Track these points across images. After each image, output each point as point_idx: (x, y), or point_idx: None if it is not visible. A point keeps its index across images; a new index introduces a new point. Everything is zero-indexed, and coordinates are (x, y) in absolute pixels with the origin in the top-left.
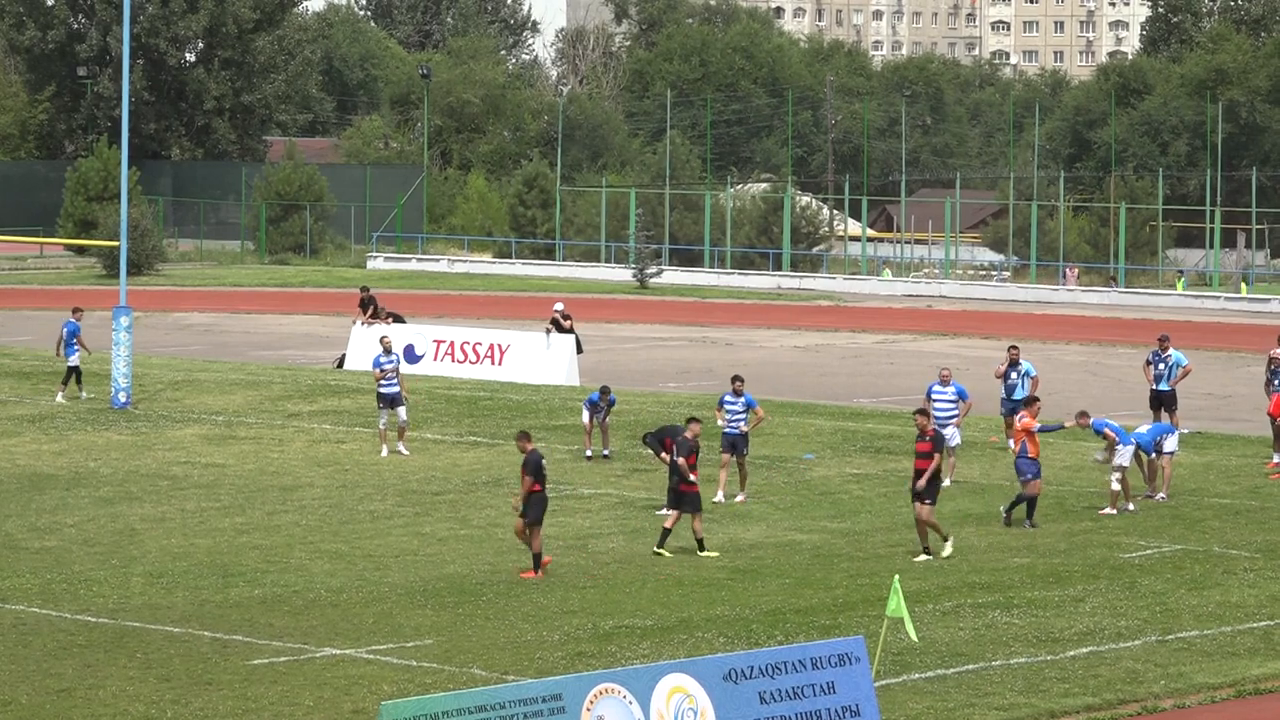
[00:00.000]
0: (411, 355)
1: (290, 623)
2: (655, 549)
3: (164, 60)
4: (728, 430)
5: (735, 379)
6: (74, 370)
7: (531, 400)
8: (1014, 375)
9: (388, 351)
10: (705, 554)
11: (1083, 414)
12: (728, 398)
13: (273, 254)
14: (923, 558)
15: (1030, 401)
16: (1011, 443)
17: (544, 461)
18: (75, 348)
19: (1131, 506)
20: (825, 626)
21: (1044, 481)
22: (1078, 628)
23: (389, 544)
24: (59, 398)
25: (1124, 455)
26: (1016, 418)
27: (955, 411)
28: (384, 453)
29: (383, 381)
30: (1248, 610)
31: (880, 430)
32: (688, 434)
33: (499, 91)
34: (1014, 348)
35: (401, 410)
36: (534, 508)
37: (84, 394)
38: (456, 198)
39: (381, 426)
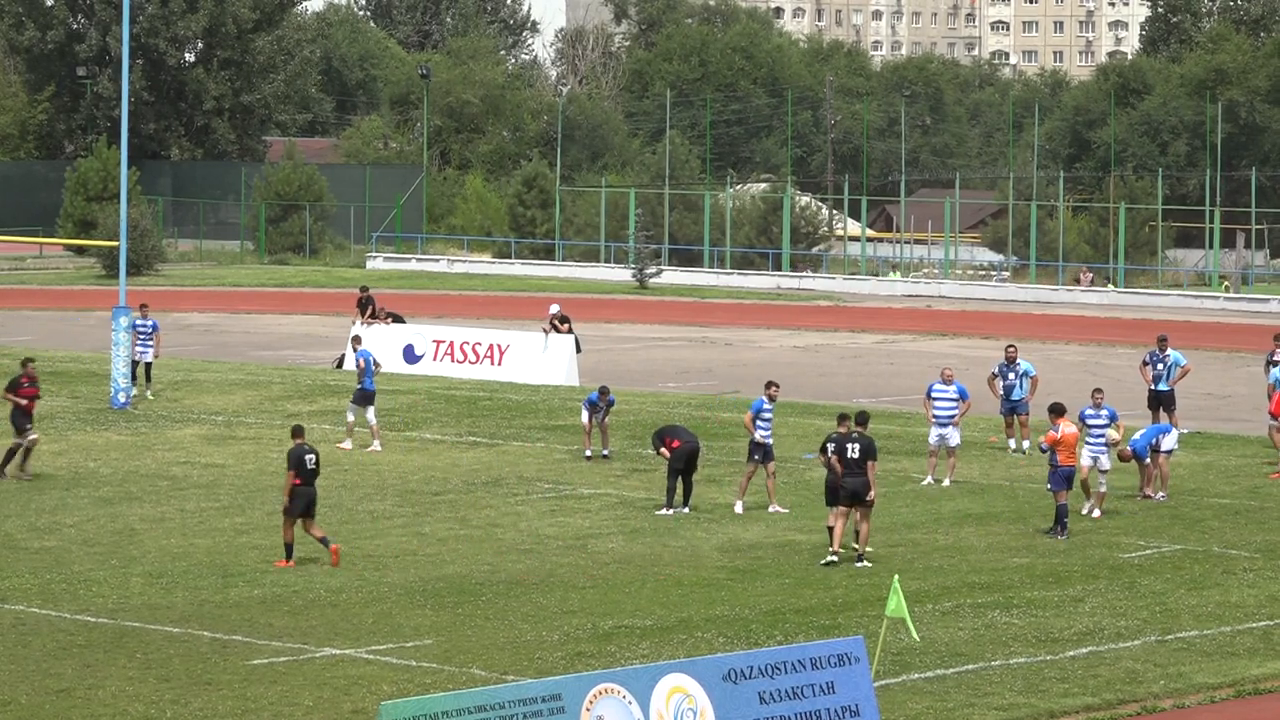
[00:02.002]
0: (411, 355)
1: (290, 623)
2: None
3: (163, 60)
4: (766, 439)
5: (772, 384)
6: (144, 366)
7: (531, 400)
8: (1012, 375)
9: (353, 350)
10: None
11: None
12: (765, 405)
13: (272, 254)
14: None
15: (1061, 410)
16: (1012, 443)
17: (310, 457)
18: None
19: (1096, 513)
20: (825, 626)
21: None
22: (1077, 628)
23: (389, 544)
24: (148, 394)
25: (1107, 460)
26: (1057, 428)
27: (956, 410)
28: (346, 444)
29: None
30: (1247, 610)
31: (879, 430)
32: (842, 429)
33: (498, 91)
34: (1011, 347)
35: (369, 411)
36: (296, 501)
37: (149, 393)
38: (455, 198)
39: (350, 421)
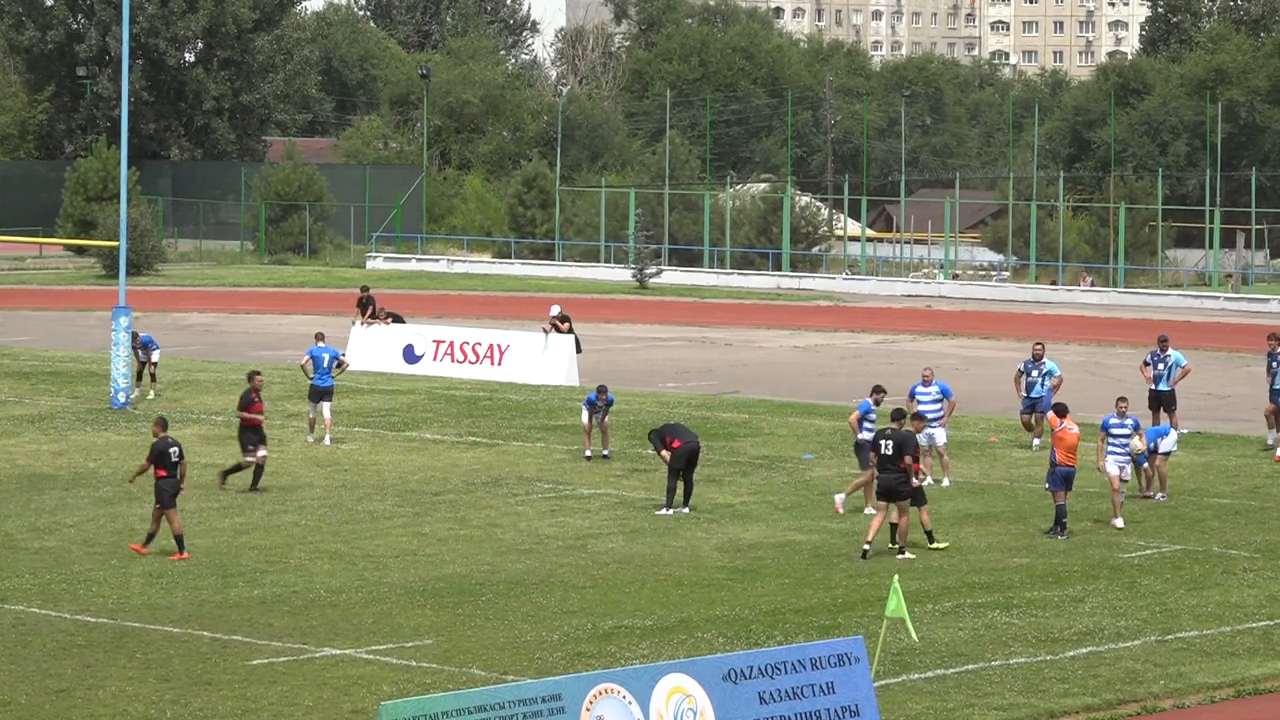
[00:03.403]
0: (411, 355)
1: (290, 623)
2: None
3: (163, 60)
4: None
5: (879, 390)
6: (149, 369)
7: (531, 400)
8: (1035, 373)
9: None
10: (935, 546)
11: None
12: (871, 407)
13: (272, 254)
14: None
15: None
16: (1036, 442)
17: (174, 449)
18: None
19: (1119, 522)
20: (825, 626)
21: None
22: (1077, 628)
23: (389, 544)
24: (150, 394)
25: (1130, 470)
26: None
27: (941, 410)
28: (309, 439)
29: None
30: (1247, 610)
31: None
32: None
33: (498, 92)
34: (1039, 344)
35: (324, 407)
36: (161, 493)
37: (152, 392)
38: (455, 199)
39: (310, 415)
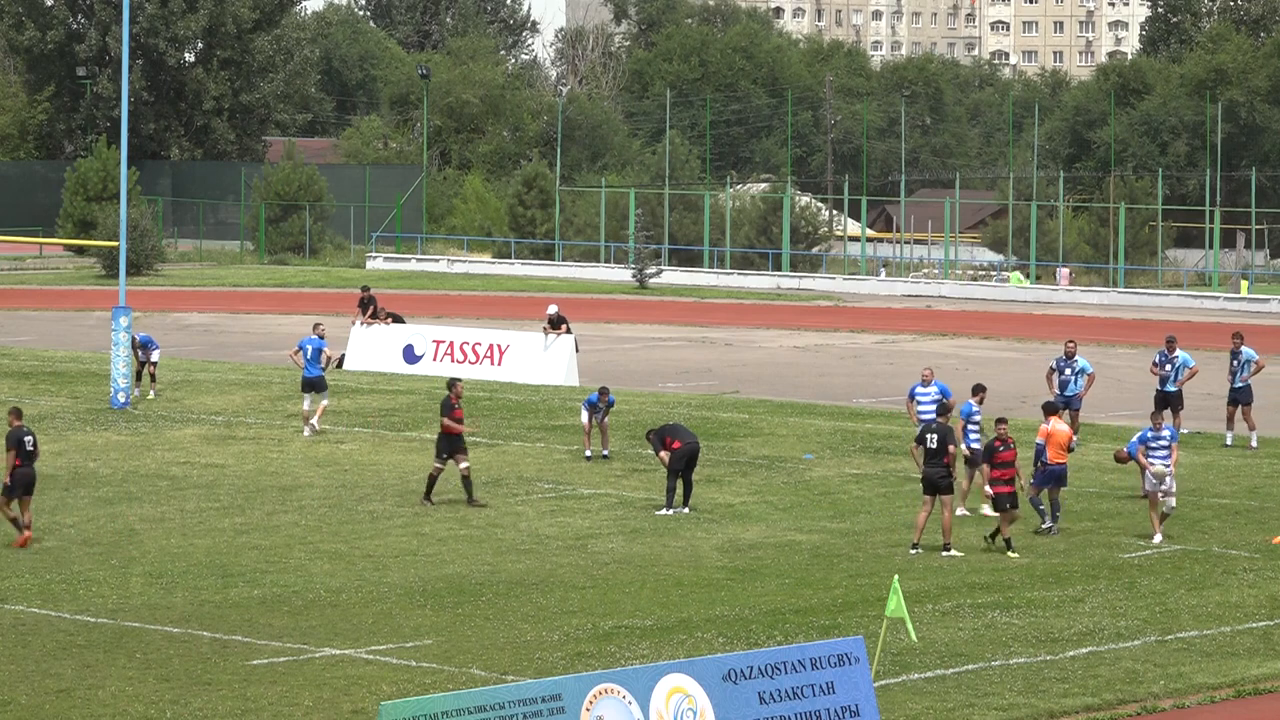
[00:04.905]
0: (411, 355)
1: (290, 623)
2: (987, 538)
3: (163, 60)
4: (975, 444)
5: (980, 389)
6: (148, 369)
7: (531, 400)
8: (1069, 370)
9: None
10: (1011, 555)
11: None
12: (975, 409)
13: (272, 254)
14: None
15: (1055, 410)
16: (1076, 438)
17: (28, 439)
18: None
19: (1158, 538)
20: (825, 626)
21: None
22: (1077, 628)
23: (389, 544)
24: (151, 394)
25: (1172, 481)
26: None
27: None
28: (305, 433)
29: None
30: (1247, 610)
31: (879, 430)
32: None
33: (498, 92)
34: (1071, 342)
35: (311, 399)
36: (16, 482)
37: (152, 392)
38: (454, 199)
39: (305, 407)
